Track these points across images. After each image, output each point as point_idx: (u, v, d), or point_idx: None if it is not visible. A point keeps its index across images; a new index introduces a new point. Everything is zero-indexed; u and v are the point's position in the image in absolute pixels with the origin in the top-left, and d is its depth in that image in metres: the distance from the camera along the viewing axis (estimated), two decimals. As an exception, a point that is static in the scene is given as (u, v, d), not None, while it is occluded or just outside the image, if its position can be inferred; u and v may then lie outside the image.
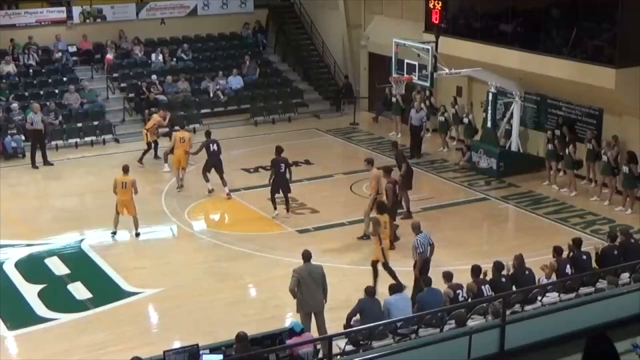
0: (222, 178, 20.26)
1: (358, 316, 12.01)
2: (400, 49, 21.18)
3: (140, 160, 22.49)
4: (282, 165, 18.61)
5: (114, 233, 17.96)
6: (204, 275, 16.15)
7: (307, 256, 12.92)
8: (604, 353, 5.52)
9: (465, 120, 23.59)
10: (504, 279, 12.91)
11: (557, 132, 20.92)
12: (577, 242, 13.96)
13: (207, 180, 20.39)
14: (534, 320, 8.99)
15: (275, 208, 18.77)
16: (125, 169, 18.06)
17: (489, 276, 13.00)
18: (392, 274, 14.76)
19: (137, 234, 17.98)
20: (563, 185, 20.61)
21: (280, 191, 18.76)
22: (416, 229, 14.44)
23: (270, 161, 18.96)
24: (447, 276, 12.80)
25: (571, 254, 13.71)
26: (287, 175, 18.65)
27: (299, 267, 12.88)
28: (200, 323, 14.01)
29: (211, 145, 20.24)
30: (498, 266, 13.07)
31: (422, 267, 14.06)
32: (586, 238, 16.10)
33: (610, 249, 14.01)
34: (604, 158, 19.30)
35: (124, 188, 17.73)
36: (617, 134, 19.61)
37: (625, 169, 18.82)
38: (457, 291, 12.41)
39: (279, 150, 18.84)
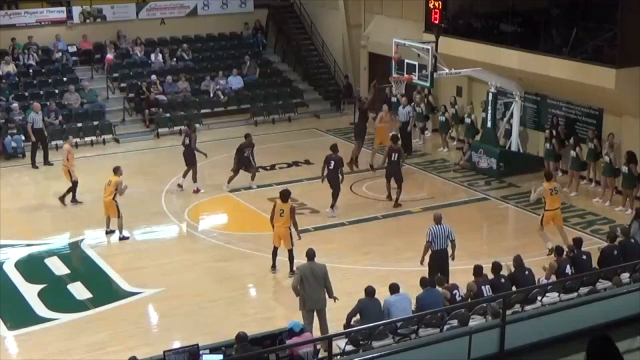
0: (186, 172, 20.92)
1: (358, 316, 12.02)
2: (400, 49, 21.18)
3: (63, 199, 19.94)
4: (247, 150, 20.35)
5: (122, 238, 17.88)
6: (204, 275, 16.15)
7: (310, 254, 13.08)
8: (607, 354, 5.50)
9: (467, 120, 23.57)
10: (503, 280, 12.92)
11: (554, 131, 20.92)
12: (577, 242, 13.97)
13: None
14: (534, 320, 8.96)
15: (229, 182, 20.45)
16: (114, 169, 18.02)
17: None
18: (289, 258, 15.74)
19: (121, 238, 17.79)
20: (563, 185, 20.60)
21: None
22: (436, 219, 14.77)
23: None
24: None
25: (571, 254, 13.72)
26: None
27: (302, 265, 12.99)
28: (200, 323, 14.01)
29: (185, 139, 21.00)
30: (496, 267, 13.07)
31: (431, 258, 14.39)
32: (586, 238, 16.10)
33: (610, 249, 14.01)
34: (606, 159, 19.27)
35: (108, 186, 17.73)
36: (617, 134, 19.61)
37: (624, 169, 18.83)
38: (454, 292, 12.45)
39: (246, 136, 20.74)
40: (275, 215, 15.60)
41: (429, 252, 14.53)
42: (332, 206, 18.93)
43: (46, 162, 22.91)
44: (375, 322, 11.21)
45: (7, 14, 27.45)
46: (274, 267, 15.88)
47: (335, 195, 18.87)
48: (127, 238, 17.88)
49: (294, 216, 15.64)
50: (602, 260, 13.74)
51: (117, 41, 28.85)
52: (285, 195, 15.81)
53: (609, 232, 15.10)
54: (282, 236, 15.61)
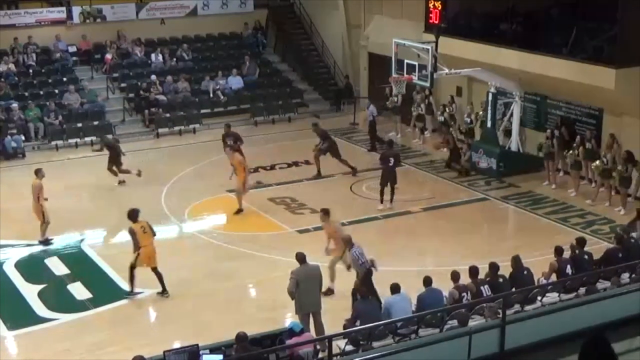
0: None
1: (358, 322, 11.90)
2: (400, 49, 21.16)
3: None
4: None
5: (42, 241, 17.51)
6: (203, 275, 16.13)
7: (302, 258, 12.98)
8: (601, 354, 5.49)
9: (467, 119, 23.57)
10: (501, 280, 12.89)
11: (556, 131, 20.91)
12: (580, 242, 13.91)
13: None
14: (534, 320, 8.99)
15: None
16: (35, 172, 17.67)
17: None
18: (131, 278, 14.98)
19: (40, 242, 17.41)
20: (562, 185, 20.60)
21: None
22: (348, 243, 14.10)
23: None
24: (455, 276, 12.74)
25: (573, 253, 13.68)
26: None
27: (297, 268, 12.90)
28: (200, 323, 14.00)
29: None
30: (494, 267, 13.03)
31: (364, 278, 13.68)
32: (586, 238, 16.05)
33: (615, 251, 13.92)
34: (605, 160, 19.24)
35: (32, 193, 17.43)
36: (617, 134, 19.59)
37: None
38: (462, 294, 12.28)
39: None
40: (139, 235, 14.91)
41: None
42: (391, 200, 19.35)
43: None
44: (373, 323, 11.15)
45: (7, 14, 27.45)
46: (132, 293, 15.01)
47: (392, 190, 19.36)
48: (49, 243, 17.46)
49: (152, 228, 15.19)
50: (605, 261, 13.66)
51: (117, 41, 28.86)
52: (133, 216, 15.14)
53: (616, 234, 14.97)
54: (151, 254, 15.01)
